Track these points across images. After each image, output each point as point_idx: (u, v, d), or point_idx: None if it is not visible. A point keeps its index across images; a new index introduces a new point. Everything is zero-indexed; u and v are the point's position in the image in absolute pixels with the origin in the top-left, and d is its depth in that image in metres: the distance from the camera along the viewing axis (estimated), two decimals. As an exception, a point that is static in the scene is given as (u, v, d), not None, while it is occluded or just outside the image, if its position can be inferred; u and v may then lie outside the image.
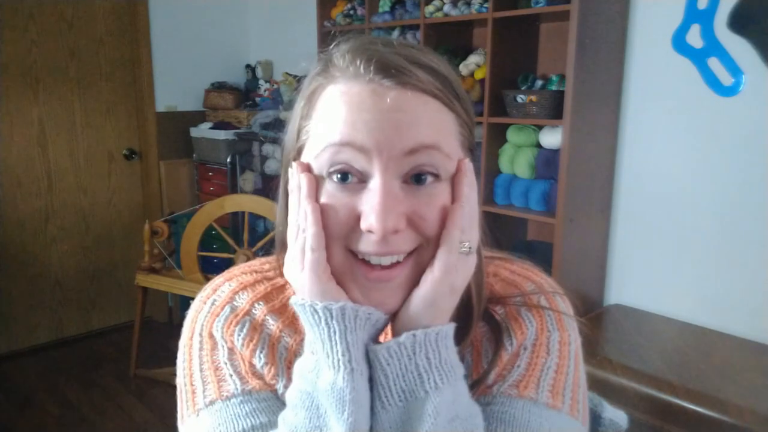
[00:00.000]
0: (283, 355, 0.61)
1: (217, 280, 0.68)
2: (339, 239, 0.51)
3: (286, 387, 0.59)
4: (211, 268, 3.15)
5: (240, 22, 3.64)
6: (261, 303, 0.64)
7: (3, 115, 2.94)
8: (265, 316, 0.63)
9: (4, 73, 2.91)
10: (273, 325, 0.62)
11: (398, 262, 0.51)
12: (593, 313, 2.06)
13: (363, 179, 0.50)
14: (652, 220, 2.04)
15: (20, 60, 2.95)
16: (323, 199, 0.51)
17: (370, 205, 0.49)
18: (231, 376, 0.60)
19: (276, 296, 0.64)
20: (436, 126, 0.51)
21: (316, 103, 0.53)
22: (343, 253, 0.52)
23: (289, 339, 0.61)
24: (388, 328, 0.58)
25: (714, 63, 1.83)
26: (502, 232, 2.31)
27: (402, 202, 0.50)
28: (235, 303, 0.64)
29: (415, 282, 0.53)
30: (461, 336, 0.57)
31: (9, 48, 2.90)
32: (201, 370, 0.62)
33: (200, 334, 0.63)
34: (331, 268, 0.53)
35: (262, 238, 2.89)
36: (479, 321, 0.60)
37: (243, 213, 2.99)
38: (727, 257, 1.88)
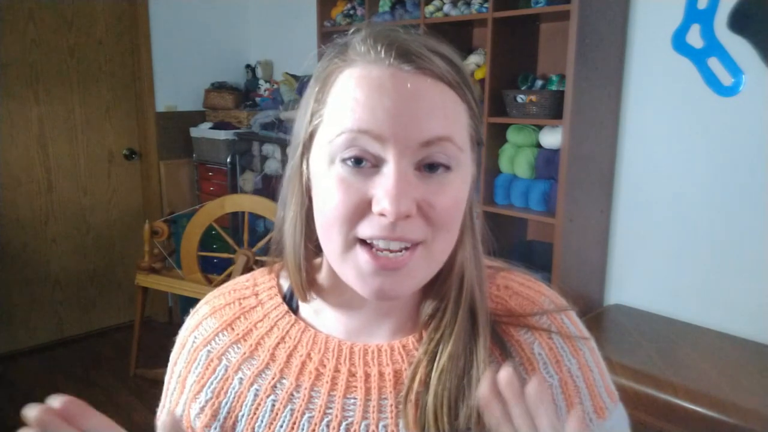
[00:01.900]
0: (236, 388, 0.60)
1: (202, 300, 0.68)
2: (345, 223, 0.50)
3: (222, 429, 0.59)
4: (211, 268, 3.15)
5: (240, 22, 3.64)
6: (225, 333, 0.62)
7: (3, 115, 2.94)
8: (227, 348, 0.62)
9: (4, 73, 2.91)
10: (234, 355, 0.61)
11: (406, 249, 0.50)
12: (593, 313, 2.06)
13: (376, 164, 0.49)
14: (652, 220, 2.04)
15: (20, 60, 2.95)
16: (334, 183, 0.50)
17: (384, 189, 0.48)
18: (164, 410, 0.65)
19: (243, 322, 0.63)
20: (450, 117, 0.51)
21: (331, 86, 0.52)
22: (346, 239, 0.51)
23: (247, 371, 0.60)
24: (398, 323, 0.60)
25: (714, 63, 1.83)
26: (502, 232, 2.31)
27: (415, 187, 0.49)
28: (197, 333, 0.65)
29: (424, 271, 0.52)
30: (470, 352, 0.55)
31: (9, 48, 2.90)
32: (164, 392, 0.66)
33: (174, 362, 0.66)
34: (331, 254, 0.53)
35: (262, 238, 2.89)
36: (487, 337, 0.57)
37: (243, 213, 2.99)
38: (728, 257, 1.88)
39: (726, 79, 1.81)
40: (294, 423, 0.57)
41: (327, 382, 0.58)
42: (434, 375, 0.54)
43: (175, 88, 3.41)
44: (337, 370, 0.58)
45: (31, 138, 3.04)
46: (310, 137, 0.54)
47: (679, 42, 1.90)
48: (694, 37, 1.86)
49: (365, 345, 0.59)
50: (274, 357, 0.60)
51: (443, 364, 0.54)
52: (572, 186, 1.94)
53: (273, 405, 0.58)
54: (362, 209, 0.49)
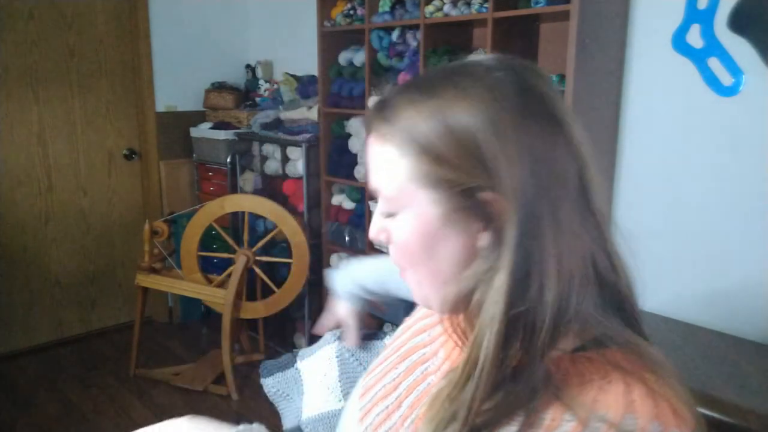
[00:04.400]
0: None
1: None
2: None
3: None
4: (211, 268, 3.15)
5: (240, 22, 3.64)
6: None
7: (3, 115, 2.94)
8: None
9: (4, 73, 2.91)
10: None
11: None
12: (593, 313, 2.06)
13: None
14: (652, 219, 2.04)
15: (20, 60, 2.95)
16: None
17: None
18: None
19: None
20: (381, 170, 0.58)
21: None
22: None
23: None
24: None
25: (714, 63, 1.83)
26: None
27: (382, 224, 0.60)
28: None
29: (413, 291, 0.62)
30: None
31: (9, 48, 2.91)
32: None
33: None
34: None
35: (262, 238, 2.89)
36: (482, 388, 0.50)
37: (243, 213, 2.99)
38: (727, 257, 1.87)
39: (726, 79, 1.81)
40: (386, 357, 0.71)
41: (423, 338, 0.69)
42: (434, 391, 0.54)
43: (175, 88, 3.41)
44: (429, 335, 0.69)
45: (31, 138, 3.04)
46: None
47: (679, 42, 1.90)
48: (694, 37, 1.86)
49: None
50: None
51: (441, 386, 0.53)
52: (572, 186, 1.93)
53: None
54: None
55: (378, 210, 0.61)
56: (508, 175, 0.49)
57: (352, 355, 0.83)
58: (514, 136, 0.50)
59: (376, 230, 0.61)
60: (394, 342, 0.72)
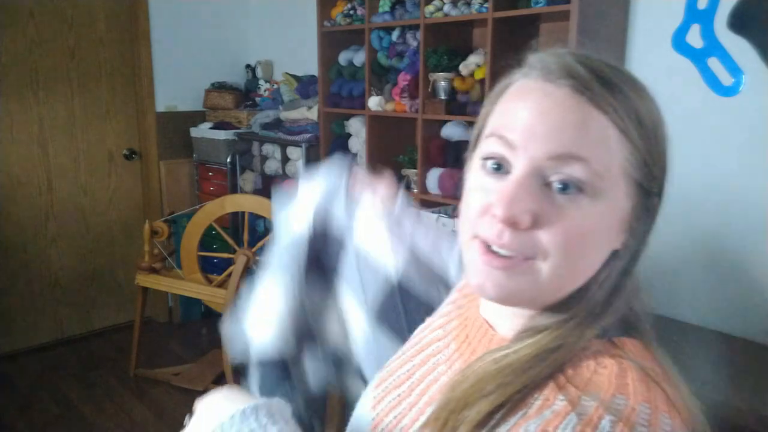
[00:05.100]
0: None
1: None
2: (470, 223, 0.52)
3: None
4: (211, 268, 3.15)
5: (240, 22, 3.64)
6: None
7: (3, 115, 2.94)
8: None
9: (4, 73, 2.91)
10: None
11: (514, 258, 0.50)
12: (593, 313, 2.06)
13: (508, 171, 0.51)
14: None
15: (20, 60, 2.95)
16: (471, 184, 0.54)
17: (501, 192, 0.49)
18: None
19: None
20: (591, 140, 0.49)
21: (500, 96, 0.55)
22: (469, 233, 0.53)
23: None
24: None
25: (714, 63, 1.83)
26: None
27: (534, 200, 0.48)
28: None
29: (525, 287, 0.50)
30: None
31: (9, 48, 2.91)
32: None
33: None
34: (461, 244, 0.55)
35: (262, 238, 2.89)
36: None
37: (243, 213, 2.99)
38: (727, 257, 1.87)
39: (726, 79, 1.81)
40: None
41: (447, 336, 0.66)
42: (456, 379, 0.54)
43: (175, 88, 3.41)
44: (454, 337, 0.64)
45: (31, 138, 3.04)
46: (476, 140, 0.57)
47: (679, 42, 1.90)
48: (694, 37, 1.86)
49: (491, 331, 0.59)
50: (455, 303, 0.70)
51: (463, 377, 0.53)
52: (572, 186, 1.93)
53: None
54: (483, 210, 0.52)
55: (533, 181, 0.49)
56: (667, 184, 0.56)
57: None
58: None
59: (525, 209, 0.48)
60: (414, 338, 0.71)
